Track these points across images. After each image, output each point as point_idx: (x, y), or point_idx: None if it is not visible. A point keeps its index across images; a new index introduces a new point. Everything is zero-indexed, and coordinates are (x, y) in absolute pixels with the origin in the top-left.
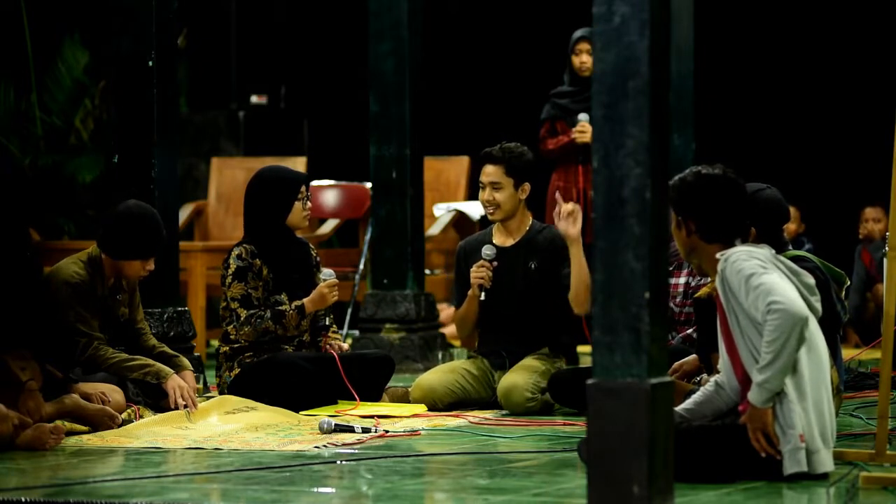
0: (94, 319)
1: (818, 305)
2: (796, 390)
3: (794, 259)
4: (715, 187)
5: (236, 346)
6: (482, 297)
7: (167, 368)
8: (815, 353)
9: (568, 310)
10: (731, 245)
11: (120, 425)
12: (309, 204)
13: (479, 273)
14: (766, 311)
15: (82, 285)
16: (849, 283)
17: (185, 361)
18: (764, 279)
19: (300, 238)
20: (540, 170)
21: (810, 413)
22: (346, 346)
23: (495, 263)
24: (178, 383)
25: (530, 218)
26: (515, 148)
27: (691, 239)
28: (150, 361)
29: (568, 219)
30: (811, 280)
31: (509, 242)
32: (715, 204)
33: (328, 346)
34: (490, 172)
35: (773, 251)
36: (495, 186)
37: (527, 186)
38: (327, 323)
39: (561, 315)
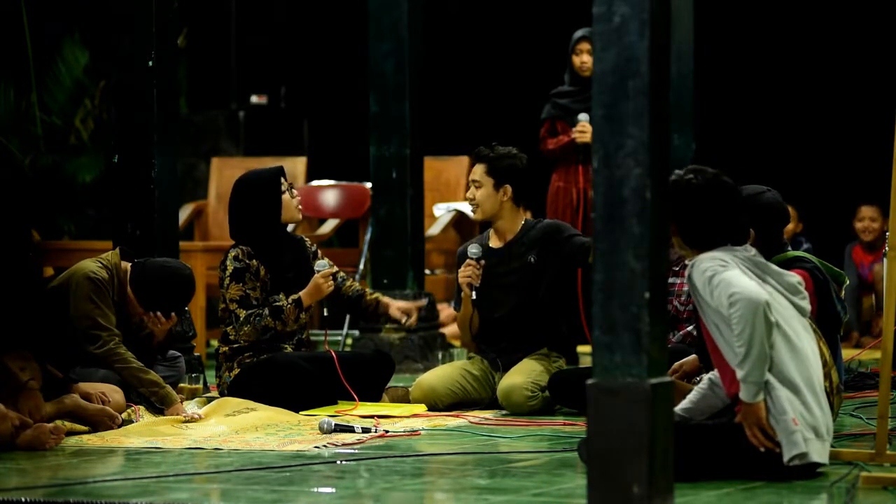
0: (112, 316)
1: (804, 304)
2: (778, 382)
3: (794, 260)
4: (698, 196)
5: (235, 346)
6: (473, 296)
7: (174, 394)
8: (799, 350)
9: (565, 304)
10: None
11: (120, 425)
12: (295, 192)
13: (465, 272)
14: (728, 305)
15: (102, 283)
16: (848, 282)
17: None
18: (723, 275)
19: (295, 235)
20: (539, 170)
21: (796, 405)
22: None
23: (482, 262)
24: (180, 411)
25: (523, 219)
26: (503, 150)
27: (677, 240)
28: (162, 382)
29: None
30: (795, 279)
31: (502, 243)
32: (697, 212)
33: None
34: (474, 170)
35: (753, 252)
36: (476, 184)
37: (508, 189)
38: (359, 292)
39: (556, 311)
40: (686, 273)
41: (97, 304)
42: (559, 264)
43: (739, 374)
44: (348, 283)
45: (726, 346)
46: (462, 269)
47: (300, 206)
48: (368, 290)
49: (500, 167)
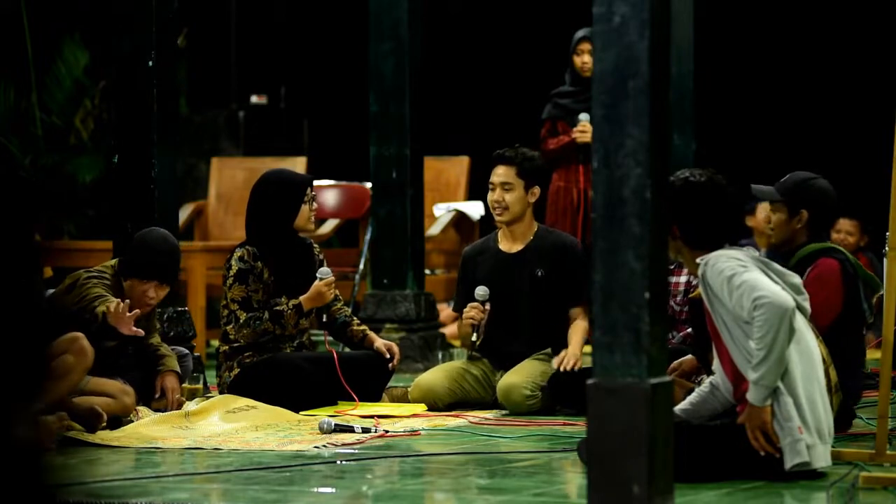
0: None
1: (806, 304)
2: (786, 387)
3: (829, 249)
4: (700, 195)
5: (236, 345)
6: (474, 337)
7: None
8: (805, 350)
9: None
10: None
11: (121, 425)
12: (315, 205)
13: (470, 314)
14: (752, 308)
15: (101, 275)
16: (883, 291)
17: (172, 363)
18: (745, 277)
19: (305, 239)
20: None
21: (804, 409)
22: (394, 346)
23: (487, 307)
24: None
25: (536, 224)
26: (528, 152)
27: (676, 243)
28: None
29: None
30: (797, 280)
31: (516, 248)
32: (699, 212)
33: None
34: (501, 173)
35: (757, 253)
36: (506, 187)
37: (536, 190)
38: (346, 318)
39: (562, 314)
40: (699, 272)
41: (97, 286)
42: (565, 281)
43: (753, 376)
44: (338, 305)
45: (735, 347)
46: (467, 310)
47: (313, 218)
48: (356, 321)
49: (530, 168)
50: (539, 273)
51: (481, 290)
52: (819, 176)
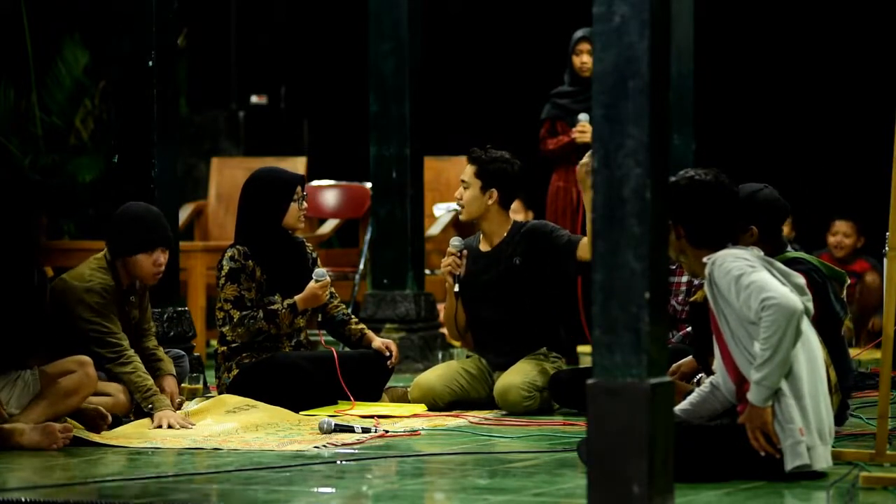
0: (117, 322)
1: (810, 305)
2: (791, 389)
3: (791, 260)
4: (705, 194)
5: (234, 346)
6: (456, 288)
7: (162, 399)
8: (809, 350)
9: (560, 306)
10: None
11: (118, 424)
12: (305, 204)
13: (447, 261)
14: (759, 308)
15: (104, 291)
16: (849, 281)
17: (169, 367)
18: (754, 277)
19: (296, 237)
20: (539, 170)
21: (808, 410)
22: (392, 344)
23: (465, 252)
24: (165, 416)
25: (511, 222)
26: (496, 154)
27: (680, 242)
28: (156, 388)
29: (584, 173)
30: (801, 280)
31: (490, 247)
32: (704, 210)
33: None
34: (465, 170)
35: (762, 252)
36: (464, 184)
37: (494, 193)
38: (344, 317)
39: (553, 311)
40: (706, 271)
41: (101, 314)
42: (548, 264)
43: (756, 376)
44: (335, 303)
45: (736, 348)
46: (444, 260)
47: (303, 218)
48: (354, 319)
49: (490, 170)
50: (516, 261)
51: (455, 241)
52: (764, 186)
